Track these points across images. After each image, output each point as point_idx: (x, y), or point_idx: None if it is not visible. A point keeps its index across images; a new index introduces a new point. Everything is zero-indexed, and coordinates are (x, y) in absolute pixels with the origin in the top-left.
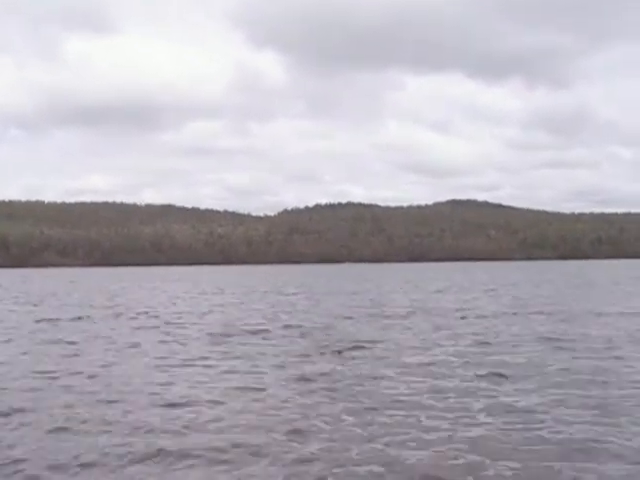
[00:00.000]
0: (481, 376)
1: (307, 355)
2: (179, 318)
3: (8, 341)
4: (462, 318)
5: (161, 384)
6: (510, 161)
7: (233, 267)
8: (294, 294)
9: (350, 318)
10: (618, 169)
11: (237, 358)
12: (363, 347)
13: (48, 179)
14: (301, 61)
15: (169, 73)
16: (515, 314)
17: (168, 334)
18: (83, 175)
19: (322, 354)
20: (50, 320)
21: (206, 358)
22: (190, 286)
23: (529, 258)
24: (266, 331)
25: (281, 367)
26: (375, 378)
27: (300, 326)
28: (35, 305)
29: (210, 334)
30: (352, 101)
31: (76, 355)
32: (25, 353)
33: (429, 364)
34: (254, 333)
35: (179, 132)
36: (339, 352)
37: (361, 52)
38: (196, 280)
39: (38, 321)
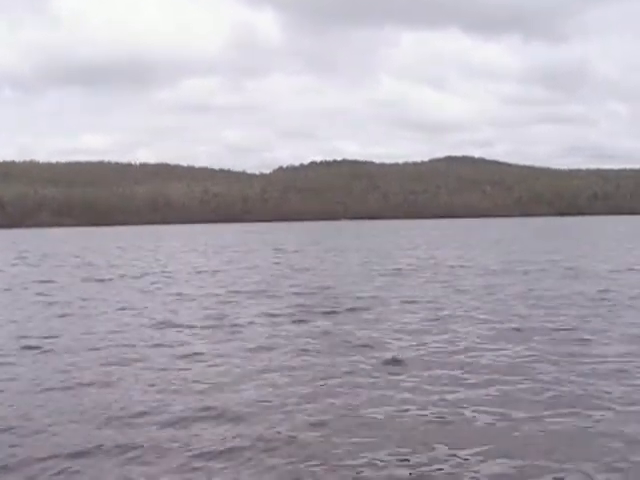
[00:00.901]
0: None
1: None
2: None
3: None
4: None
5: None
6: (506, 117)
7: (229, 225)
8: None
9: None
10: (614, 125)
11: None
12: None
13: (42, 139)
14: (297, 18)
15: (164, 30)
16: None
17: None
18: (77, 134)
19: None
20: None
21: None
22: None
23: (525, 214)
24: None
25: None
26: None
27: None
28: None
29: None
30: (347, 58)
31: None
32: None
33: None
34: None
35: (174, 89)
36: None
37: (356, 9)
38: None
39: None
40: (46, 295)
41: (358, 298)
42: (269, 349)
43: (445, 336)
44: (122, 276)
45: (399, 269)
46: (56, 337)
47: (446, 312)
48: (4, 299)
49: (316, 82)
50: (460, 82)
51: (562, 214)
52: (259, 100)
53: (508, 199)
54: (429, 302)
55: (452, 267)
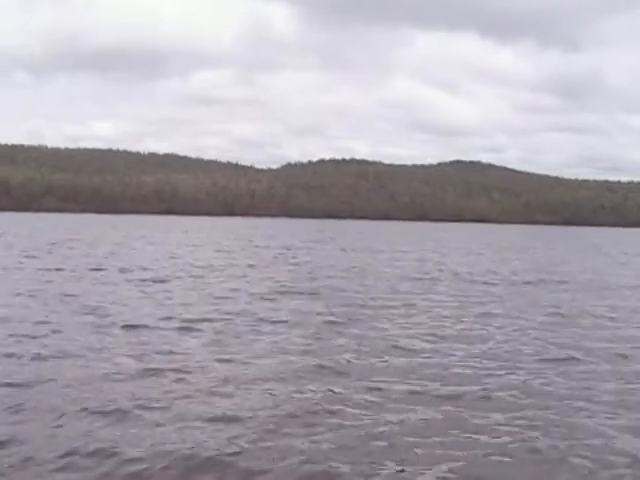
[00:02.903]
0: None
1: None
2: None
3: None
4: None
5: None
6: (517, 124)
7: (236, 219)
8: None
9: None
10: (625, 137)
11: None
12: None
13: (51, 124)
14: (311, 14)
15: (178, 20)
16: None
17: None
18: (87, 121)
19: None
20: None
21: None
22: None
23: (532, 222)
24: None
25: None
26: None
27: None
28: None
29: None
30: (361, 56)
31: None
32: None
33: None
34: None
35: (185, 80)
36: None
37: (372, 7)
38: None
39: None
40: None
41: None
42: None
43: None
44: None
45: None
46: None
47: None
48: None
49: (328, 79)
50: (472, 86)
51: (568, 223)
52: (270, 95)
53: (515, 206)
54: None
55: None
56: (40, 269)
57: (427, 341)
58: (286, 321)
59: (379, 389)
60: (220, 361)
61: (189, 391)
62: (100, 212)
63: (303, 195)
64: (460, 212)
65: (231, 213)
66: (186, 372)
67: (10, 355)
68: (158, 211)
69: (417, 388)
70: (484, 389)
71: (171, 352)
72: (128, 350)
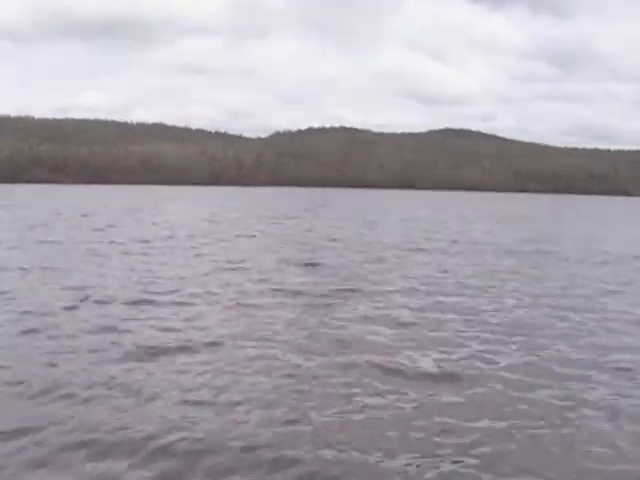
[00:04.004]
0: None
1: None
2: None
3: None
4: None
5: None
6: (507, 92)
7: (225, 188)
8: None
9: None
10: (615, 106)
11: None
12: None
13: (38, 95)
14: None
15: None
16: None
17: None
18: (74, 91)
19: None
20: None
21: None
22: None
23: (522, 190)
24: None
25: None
26: None
27: None
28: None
29: None
30: (351, 24)
31: None
32: None
33: None
34: None
35: (173, 49)
36: None
37: None
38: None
39: None
40: None
41: None
42: None
43: None
44: None
45: None
46: None
47: None
48: None
49: (317, 47)
50: (463, 54)
51: (558, 192)
52: (258, 63)
53: (505, 174)
54: None
55: None
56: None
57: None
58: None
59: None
60: None
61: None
62: (89, 183)
63: (292, 164)
64: (450, 181)
65: (219, 182)
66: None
67: None
68: (147, 181)
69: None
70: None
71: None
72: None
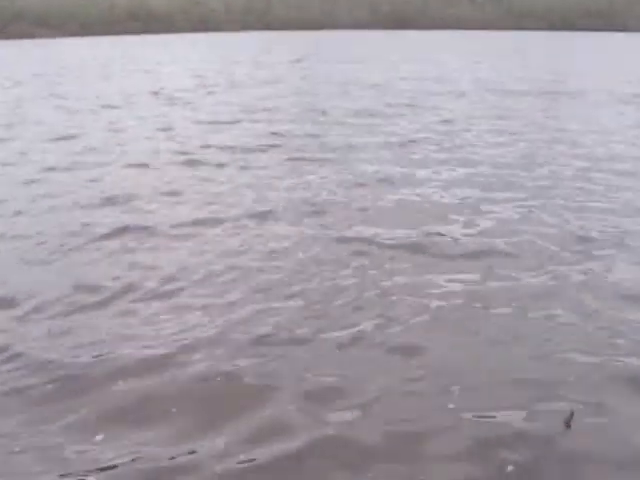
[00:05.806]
0: None
1: None
2: None
3: None
4: None
5: None
6: None
7: (214, 34)
8: None
9: None
10: None
11: None
12: None
13: None
14: None
15: None
16: None
17: None
18: None
19: None
20: None
21: None
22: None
23: (518, 28)
24: None
25: None
26: None
27: None
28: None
29: None
30: None
31: None
32: None
33: None
34: None
35: None
36: None
37: None
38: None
39: None
40: None
41: None
42: None
43: None
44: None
45: None
46: None
47: None
48: None
49: None
50: None
51: (554, 29)
52: None
53: (499, 11)
54: None
55: None
56: None
57: None
58: None
59: None
60: None
61: None
62: (75, 36)
63: (280, 7)
64: (442, 19)
65: (206, 29)
66: None
67: None
68: (132, 31)
69: None
70: None
71: None
72: None
